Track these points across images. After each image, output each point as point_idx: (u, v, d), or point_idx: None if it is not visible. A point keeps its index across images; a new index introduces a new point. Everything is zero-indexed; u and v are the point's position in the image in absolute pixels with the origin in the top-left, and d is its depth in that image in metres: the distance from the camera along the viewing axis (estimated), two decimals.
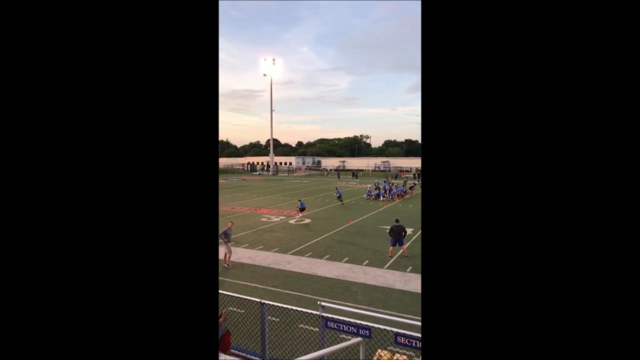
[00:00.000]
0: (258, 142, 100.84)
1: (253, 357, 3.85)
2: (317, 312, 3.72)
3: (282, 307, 3.90)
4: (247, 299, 4.17)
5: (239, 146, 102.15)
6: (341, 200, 20.53)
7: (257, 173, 55.77)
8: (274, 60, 52.45)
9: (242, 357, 3.74)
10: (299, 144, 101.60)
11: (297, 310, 3.82)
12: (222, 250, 9.32)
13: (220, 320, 3.54)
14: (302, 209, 16.81)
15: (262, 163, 62.17)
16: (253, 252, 10.60)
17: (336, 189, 22.79)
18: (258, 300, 3.99)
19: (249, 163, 66.33)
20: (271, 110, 54.95)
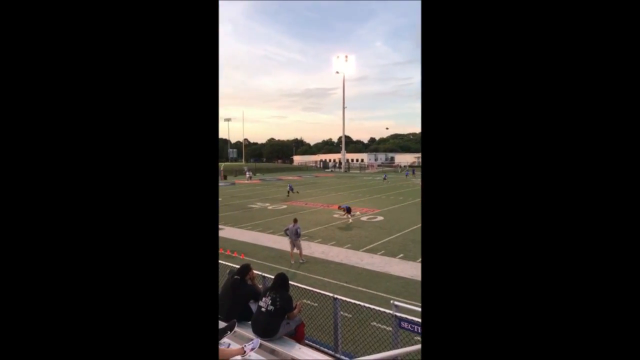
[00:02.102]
0: (330, 139, 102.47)
1: (326, 350, 3.94)
2: (391, 312, 3.65)
3: (354, 303, 3.91)
4: (320, 292, 4.27)
5: (312, 144, 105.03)
6: (289, 192, 23.42)
7: (329, 170, 56.68)
8: (346, 57, 52.64)
9: (316, 348, 3.85)
10: (372, 140, 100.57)
11: (370, 307, 3.80)
12: (290, 245, 9.58)
13: (295, 311, 3.69)
14: (346, 210, 15.85)
15: (334, 160, 62.98)
16: (326, 248, 10.82)
17: (289, 184, 25.61)
18: (331, 295, 4.05)
19: (321, 160, 67.74)
20: (343, 107, 55.40)
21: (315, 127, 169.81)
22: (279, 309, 3.53)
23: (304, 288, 4.45)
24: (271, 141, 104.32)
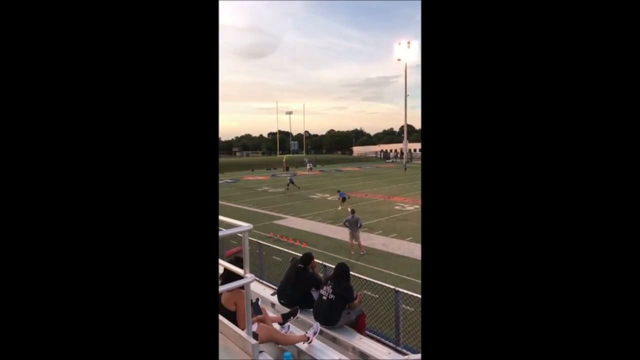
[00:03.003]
0: (391, 129, 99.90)
1: (387, 342, 3.90)
2: None
3: (417, 297, 3.81)
4: (381, 284, 4.23)
5: (372, 134, 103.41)
6: (296, 186, 22.59)
7: (390, 161, 55.43)
8: (408, 43, 50.52)
9: (377, 339, 3.84)
10: None
11: None
12: (350, 236, 9.56)
13: (356, 301, 3.71)
14: (343, 199, 15.17)
15: (395, 150, 61.37)
16: (387, 240, 10.67)
17: (289, 177, 24.82)
18: (392, 287, 4.00)
19: (382, 151, 66.45)
20: (405, 95, 53.56)
21: (375, 117, 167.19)
22: (340, 298, 3.58)
23: (365, 279, 4.44)
24: (331, 132, 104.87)
